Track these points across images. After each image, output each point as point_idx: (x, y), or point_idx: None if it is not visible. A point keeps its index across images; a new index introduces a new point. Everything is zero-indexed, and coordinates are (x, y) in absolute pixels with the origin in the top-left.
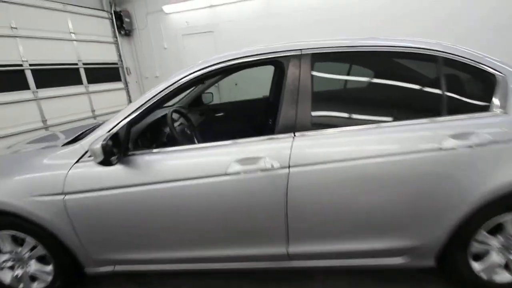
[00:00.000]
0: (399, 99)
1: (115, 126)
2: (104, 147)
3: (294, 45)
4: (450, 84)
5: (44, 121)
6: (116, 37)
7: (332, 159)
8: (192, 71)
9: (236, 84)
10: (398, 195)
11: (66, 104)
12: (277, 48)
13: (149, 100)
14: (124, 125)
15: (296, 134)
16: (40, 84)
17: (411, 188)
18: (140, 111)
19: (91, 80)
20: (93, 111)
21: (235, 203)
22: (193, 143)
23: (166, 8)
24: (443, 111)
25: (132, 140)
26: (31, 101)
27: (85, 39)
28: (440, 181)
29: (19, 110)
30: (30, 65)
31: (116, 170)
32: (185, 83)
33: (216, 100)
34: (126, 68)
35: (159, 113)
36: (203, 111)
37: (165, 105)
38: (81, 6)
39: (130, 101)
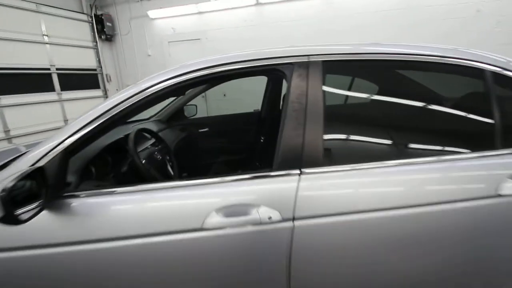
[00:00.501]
0: (443, 124)
1: (42, 157)
2: (4, 198)
3: (299, 50)
4: (503, 105)
5: (7, 131)
6: (96, 42)
7: (356, 209)
8: (166, 78)
9: (224, 95)
10: (454, 257)
11: (35, 113)
12: (276, 53)
13: (102, 114)
14: (57, 154)
15: (304, 170)
16: (2, 90)
17: (466, 246)
18: (87, 130)
19: (65, 87)
20: (65, 120)
21: (214, 268)
22: (164, 171)
23: (151, 13)
24: (498, 143)
25: (77, 171)
26: None
27: (60, 43)
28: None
29: None
30: None
31: (38, 222)
32: (156, 92)
33: (203, 113)
34: (106, 74)
35: (122, 131)
36: (185, 126)
37: (138, 118)
38: (58, 8)
39: None
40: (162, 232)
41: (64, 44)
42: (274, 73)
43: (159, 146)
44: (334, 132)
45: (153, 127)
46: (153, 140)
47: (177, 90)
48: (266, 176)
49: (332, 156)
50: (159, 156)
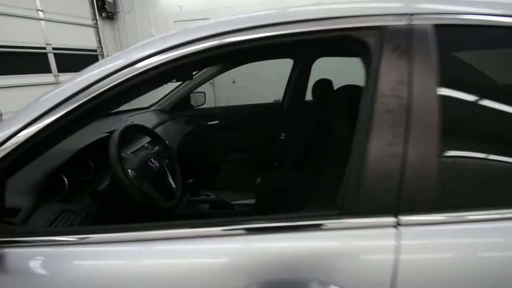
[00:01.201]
0: None
1: None
2: None
3: (392, 7)
4: None
5: None
6: (96, 20)
7: None
8: (176, 43)
9: (234, 82)
10: None
11: (29, 96)
12: (351, 11)
13: (64, 102)
14: None
15: (403, 219)
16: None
17: None
18: (37, 128)
19: (62, 68)
20: None
21: None
22: (162, 185)
23: None
24: None
25: (34, 186)
26: None
27: (57, 19)
28: None
29: None
30: None
31: None
32: (157, 68)
33: (211, 103)
34: (107, 56)
35: (107, 125)
36: (191, 118)
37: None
38: None
39: None
40: None
41: (61, 21)
42: (338, 46)
43: (157, 148)
44: (462, 149)
45: (153, 118)
46: (147, 140)
47: (165, 76)
48: (327, 227)
49: (460, 194)
50: (155, 164)
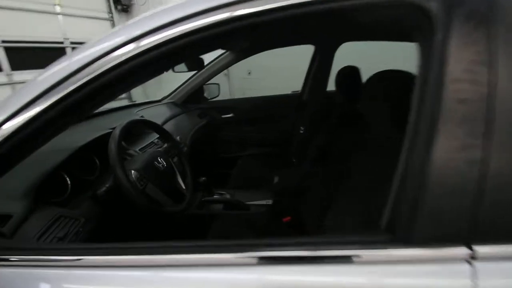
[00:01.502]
0: None
1: None
2: None
3: None
4: None
5: None
6: (112, 13)
7: None
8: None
9: (249, 73)
10: None
11: None
12: None
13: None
14: None
15: (480, 251)
16: (15, 66)
17: None
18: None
19: None
20: None
21: None
22: (170, 187)
23: None
24: None
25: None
26: (4, 85)
27: (74, 14)
28: None
29: None
30: (3, 41)
31: None
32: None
33: (225, 95)
34: None
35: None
36: (204, 111)
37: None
38: None
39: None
40: None
41: (78, 15)
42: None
43: (165, 146)
44: None
45: (164, 111)
46: (155, 137)
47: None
48: (365, 259)
49: None
50: (162, 163)
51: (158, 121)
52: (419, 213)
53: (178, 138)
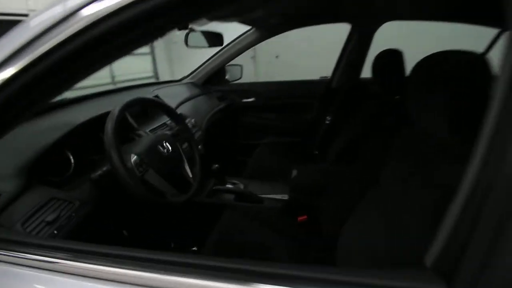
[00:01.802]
0: None
1: None
2: None
3: None
4: None
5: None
6: None
7: None
8: None
9: (277, 57)
10: None
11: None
12: None
13: None
14: None
15: None
16: None
17: None
18: None
19: None
20: (113, 77)
21: None
22: (175, 176)
23: None
24: None
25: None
26: None
27: None
28: None
29: None
30: None
31: None
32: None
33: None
34: None
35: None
36: (224, 93)
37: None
38: None
39: (155, 70)
40: None
41: None
42: None
43: (177, 128)
44: None
45: (182, 92)
46: (165, 120)
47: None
48: None
49: None
50: (167, 148)
51: (174, 101)
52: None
53: (193, 121)
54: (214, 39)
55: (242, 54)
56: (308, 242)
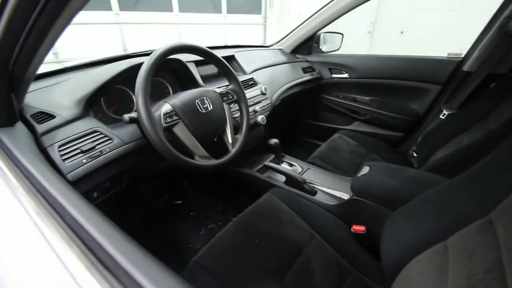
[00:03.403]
0: None
1: None
2: None
3: None
4: None
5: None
6: None
7: None
8: None
9: (401, 33)
10: None
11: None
12: None
13: None
14: None
15: None
16: (182, 8)
17: None
18: None
19: (230, 10)
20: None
21: None
22: (213, 136)
23: None
24: None
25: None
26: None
27: None
28: None
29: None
30: None
31: None
32: None
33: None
34: None
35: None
36: (313, 65)
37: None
38: None
39: (264, 41)
40: None
41: None
42: None
43: (229, 87)
44: None
45: (266, 57)
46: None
47: None
48: None
49: None
50: (208, 105)
51: (252, 66)
52: None
53: (263, 88)
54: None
55: (357, 28)
56: (356, 260)
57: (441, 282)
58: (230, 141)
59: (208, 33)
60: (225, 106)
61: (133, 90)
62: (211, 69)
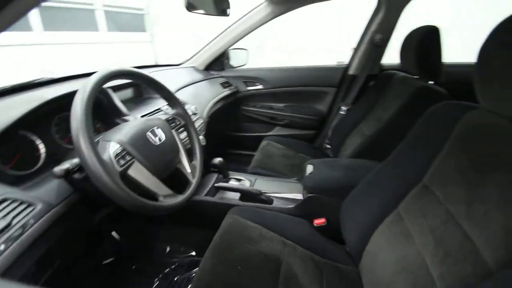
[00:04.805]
0: None
1: None
2: None
3: None
4: None
5: None
6: None
7: None
8: None
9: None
10: None
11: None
12: None
13: None
14: None
15: None
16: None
17: None
18: None
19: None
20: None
21: None
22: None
23: None
24: None
25: None
26: None
27: None
28: None
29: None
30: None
31: None
32: None
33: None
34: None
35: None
36: (228, 80)
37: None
38: None
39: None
40: None
41: None
42: None
43: (173, 113)
44: None
45: (182, 76)
46: (160, 105)
47: None
48: None
49: None
50: (160, 136)
51: (173, 86)
52: None
53: (193, 107)
54: (219, 4)
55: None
56: (326, 251)
57: (409, 242)
58: (188, 170)
59: (86, 53)
60: (174, 133)
61: (40, 136)
62: (125, 94)
